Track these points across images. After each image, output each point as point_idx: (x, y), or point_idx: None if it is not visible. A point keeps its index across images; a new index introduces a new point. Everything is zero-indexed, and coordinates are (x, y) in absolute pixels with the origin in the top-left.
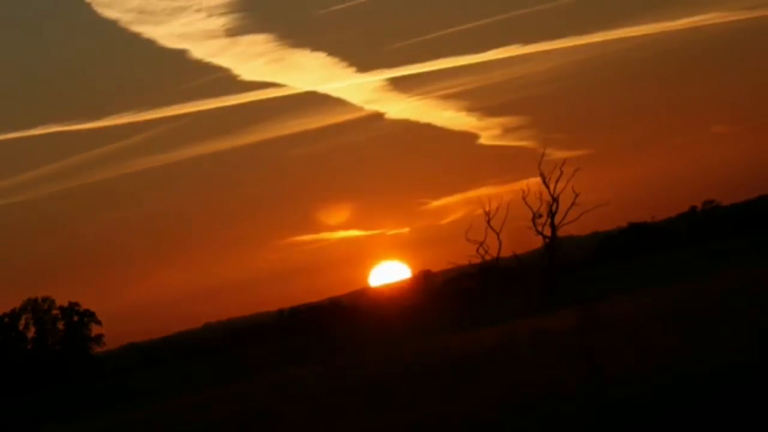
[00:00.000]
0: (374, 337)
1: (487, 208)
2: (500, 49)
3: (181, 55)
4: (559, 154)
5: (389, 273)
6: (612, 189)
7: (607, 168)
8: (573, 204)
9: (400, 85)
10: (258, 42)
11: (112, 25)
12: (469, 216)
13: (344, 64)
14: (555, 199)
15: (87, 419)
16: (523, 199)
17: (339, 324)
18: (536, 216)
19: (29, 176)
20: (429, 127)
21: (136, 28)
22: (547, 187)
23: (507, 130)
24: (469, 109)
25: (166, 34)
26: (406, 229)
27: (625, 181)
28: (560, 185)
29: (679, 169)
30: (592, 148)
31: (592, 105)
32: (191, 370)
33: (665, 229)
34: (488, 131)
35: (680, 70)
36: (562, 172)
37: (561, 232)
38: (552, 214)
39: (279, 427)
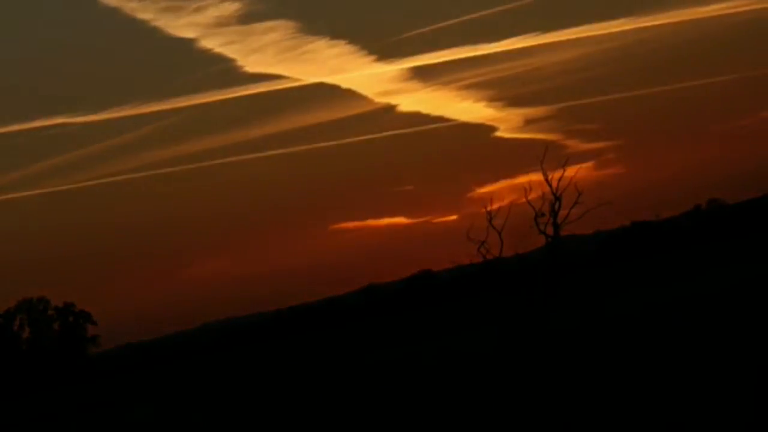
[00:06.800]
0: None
1: (525, 198)
2: (522, 37)
3: (189, 44)
4: (579, 147)
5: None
6: (615, 186)
7: (615, 164)
8: (576, 203)
9: (419, 74)
10: (274, 29)
11: (114, 13)
12: (510, 205)
13: (364, 52)
14: (557, 198)
15: (86, 420)
16: (525, 198)
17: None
18: (539, 215)
19: (27, 173)
20: (441, 120)
21: (142, 16)
22: (550, 185)
23: (528, 122)
24: (490, 99)
25: (174, 22)
26: (454, 217)
27: (628, 178)
28: (567, 176)
29: (683, 166)
30: (610, 141)
31: (611, 98)
32: (189, 371)
33: (669, 228)
34: (508, 123)
35: (697, 63)
36: (564, 171)
37: (564, 231)
38: (554, 213)
39: None
